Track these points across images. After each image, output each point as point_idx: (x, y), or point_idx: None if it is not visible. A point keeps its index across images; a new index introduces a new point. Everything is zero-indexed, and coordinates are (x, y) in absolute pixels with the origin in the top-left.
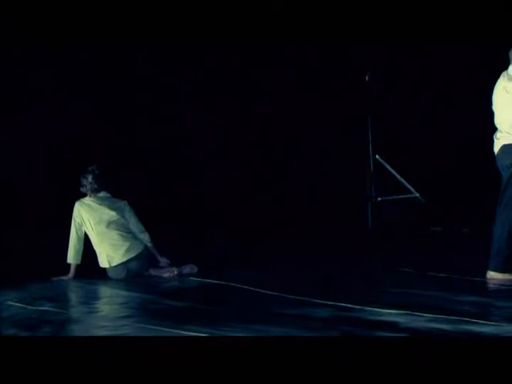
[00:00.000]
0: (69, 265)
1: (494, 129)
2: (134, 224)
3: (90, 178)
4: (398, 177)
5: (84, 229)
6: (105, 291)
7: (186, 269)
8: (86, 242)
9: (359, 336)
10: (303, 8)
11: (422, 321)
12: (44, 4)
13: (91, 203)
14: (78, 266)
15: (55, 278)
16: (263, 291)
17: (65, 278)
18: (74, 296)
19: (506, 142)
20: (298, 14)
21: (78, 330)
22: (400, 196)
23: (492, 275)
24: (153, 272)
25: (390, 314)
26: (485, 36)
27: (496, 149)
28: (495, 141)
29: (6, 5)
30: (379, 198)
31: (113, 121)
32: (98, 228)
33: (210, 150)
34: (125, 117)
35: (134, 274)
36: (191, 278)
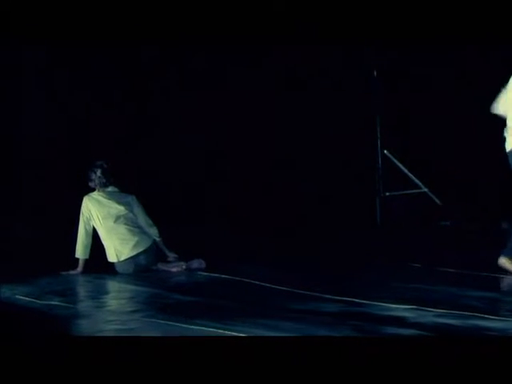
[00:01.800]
0: (77, 259)
1: (504, 125)
2: (143, 218)
3: (98, 172)
4: (407, 172)
5: (92, 223)
6: (113, 286)
7: (195, 263)
8: (95, 236)
9: (367, 334)
10: (309, 5)
11: (430, 316)
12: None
13: (99, 198)
14: (86, 261)
15: (64, 273)
16: (272, 286)
17: (73, 272)
18: (82, 290)
19: None
20: (303, 11)
21: (86, 325)
22: (409, 191)
23: (503, 262)
24: (161, 267)
25: (398, 309)
26: (493, 35)
27: (508, 146)
28: (507, 138)
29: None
30: (388, 193)
31: (116, 115)
32: (106, 222)
33: (217, 145)
34: (129, 111)
35: (142, 269)
36: (199, 272)
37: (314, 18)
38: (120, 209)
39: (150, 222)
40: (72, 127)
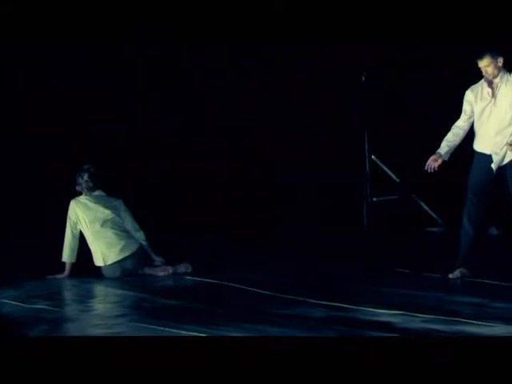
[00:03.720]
0: (64, 263)
1: None
2: (129, 223)
3: (85, 176)
4: (394, 177)
5: (79, 227)
6: (99, 290)
7: (181, 268)
8: (81, 240)
9: (354, 337)
10: (300, 8)
11: (417, 321)
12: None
13: (86, 202)
14: (73, 265)
15: (50, 277)
16: (258, 291)
17: (60, 276)
18: (68, 294)
19: None
20: (293, 14)
21: (72, 329)
22: (396, 196)
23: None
24: (147, 271)
25: (385, 315)
26: (484, 36)
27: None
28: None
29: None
30: (375, 198)
31: (110, 117)
32: (93, 226)
33: (206, 148)
34: (120, 113)
35: (128, 273)
36: (186, 276)
37: (303, 19)
38: (107, 213)
39: (137, 226)
40: (60, 129)
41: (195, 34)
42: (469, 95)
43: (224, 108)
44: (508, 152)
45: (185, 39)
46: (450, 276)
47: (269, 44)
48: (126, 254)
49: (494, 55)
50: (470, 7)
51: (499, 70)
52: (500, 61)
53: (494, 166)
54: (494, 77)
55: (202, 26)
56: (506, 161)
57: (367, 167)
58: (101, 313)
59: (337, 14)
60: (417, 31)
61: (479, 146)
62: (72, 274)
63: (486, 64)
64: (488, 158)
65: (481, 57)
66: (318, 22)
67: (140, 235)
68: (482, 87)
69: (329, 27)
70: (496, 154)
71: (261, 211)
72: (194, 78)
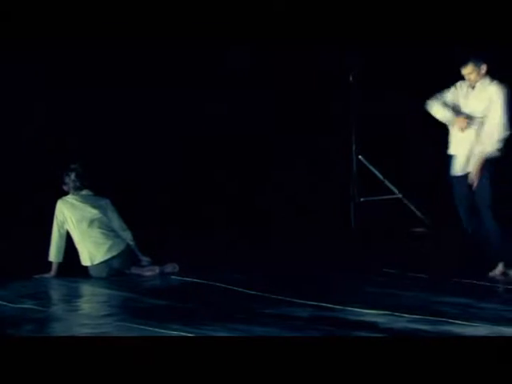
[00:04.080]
0: (51, 263)
1: None
2: (117, 222)
3: (72, 175)
4: (381, 177)
5: (66, 227)
6: (86, 289)
7: (168, 268)
8: (68, 239)
9: (340, 337)
10: (290, 9)
11: (402, 321)
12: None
13: (73, 201)
14: (59, 264)
15: (37, 276)
16: (245, 291)
17: (47, 275)
18: (55, 294)
19: None
20: (283, 14)
21: (59, 328)
22: (383, 197)
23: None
24: (134, 270)
25: (371, 315)
26: (469, 36)
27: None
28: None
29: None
30: (362, 199)
31: (98, 118)
32: (80, 226)
33: (198, 148)
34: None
35: (115, 273)
36: (173, 276)
37: (292, 20)
38: (94, 212)
39: (124, 225)
40: (47, 128)
41: (194, 33)
42: (455, 87)
43: (218, 108)
44: (471, 160)
45: (184, 39)
46: (490, 274)
47: (259, 44)
48: (113, 253)
49: (477, 63)
50: (464, 7)
51: (482, 76)
52: (483, 68)
53: (457, 167)
54: (477, 83)
55: (202, 25)
56: (469, 169)
57: (354, 167)
58: (87, 312)
59: (326, 13)
60: (405, 31)
61: (450, 147)
62: (59, 274)
63: (469, 71)
64: (455, 160)
65: (464, 64)
66: (309, 22)
67: (127, 235)
68: (465, 87)
69: (319, 27)
70: (459, 155)
71: (249, 212)
72: (194, 78)
